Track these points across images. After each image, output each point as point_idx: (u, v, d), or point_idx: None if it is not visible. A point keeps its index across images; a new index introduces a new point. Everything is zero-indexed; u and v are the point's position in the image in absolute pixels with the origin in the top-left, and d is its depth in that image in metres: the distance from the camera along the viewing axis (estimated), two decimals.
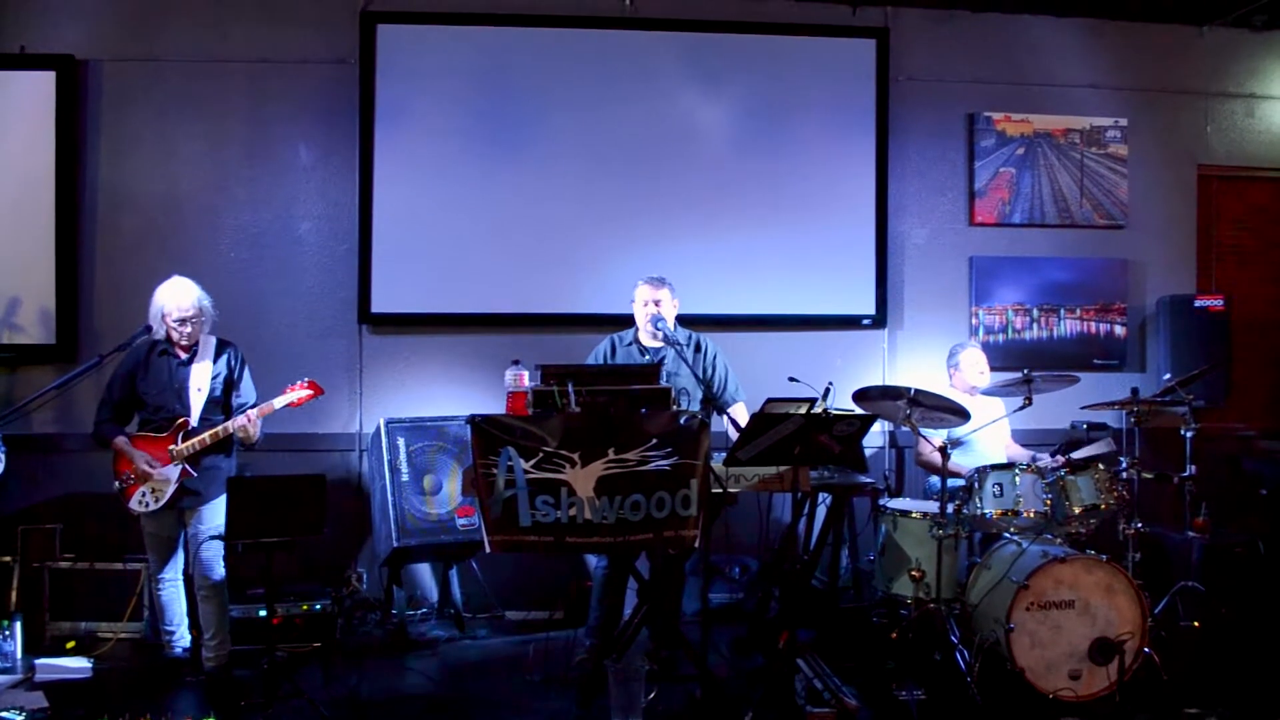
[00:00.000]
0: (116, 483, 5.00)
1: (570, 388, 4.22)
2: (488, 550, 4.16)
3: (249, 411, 5.00)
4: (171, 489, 4.94)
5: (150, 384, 5.03)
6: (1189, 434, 5.55)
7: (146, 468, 4.91)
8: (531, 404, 4.30)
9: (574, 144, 6.54)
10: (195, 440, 4.92)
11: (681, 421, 4.20)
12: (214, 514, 5.05)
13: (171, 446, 4.93)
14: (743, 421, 5.06)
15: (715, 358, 5.49)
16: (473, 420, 4.13)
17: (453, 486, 5.88)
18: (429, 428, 6.01)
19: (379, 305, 6.41)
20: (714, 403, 5.27)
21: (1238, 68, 7.18)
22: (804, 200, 6.69)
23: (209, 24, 6.37)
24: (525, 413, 4.29)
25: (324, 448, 6.39)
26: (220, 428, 4.94)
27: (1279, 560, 6.09)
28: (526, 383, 4.44)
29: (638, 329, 5.49)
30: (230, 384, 5.14)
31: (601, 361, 5.47)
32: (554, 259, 6.52)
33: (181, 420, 4.97)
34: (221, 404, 5.11)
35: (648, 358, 5.39)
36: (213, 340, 5.15)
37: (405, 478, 5.84)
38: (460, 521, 5.82)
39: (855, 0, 6.76)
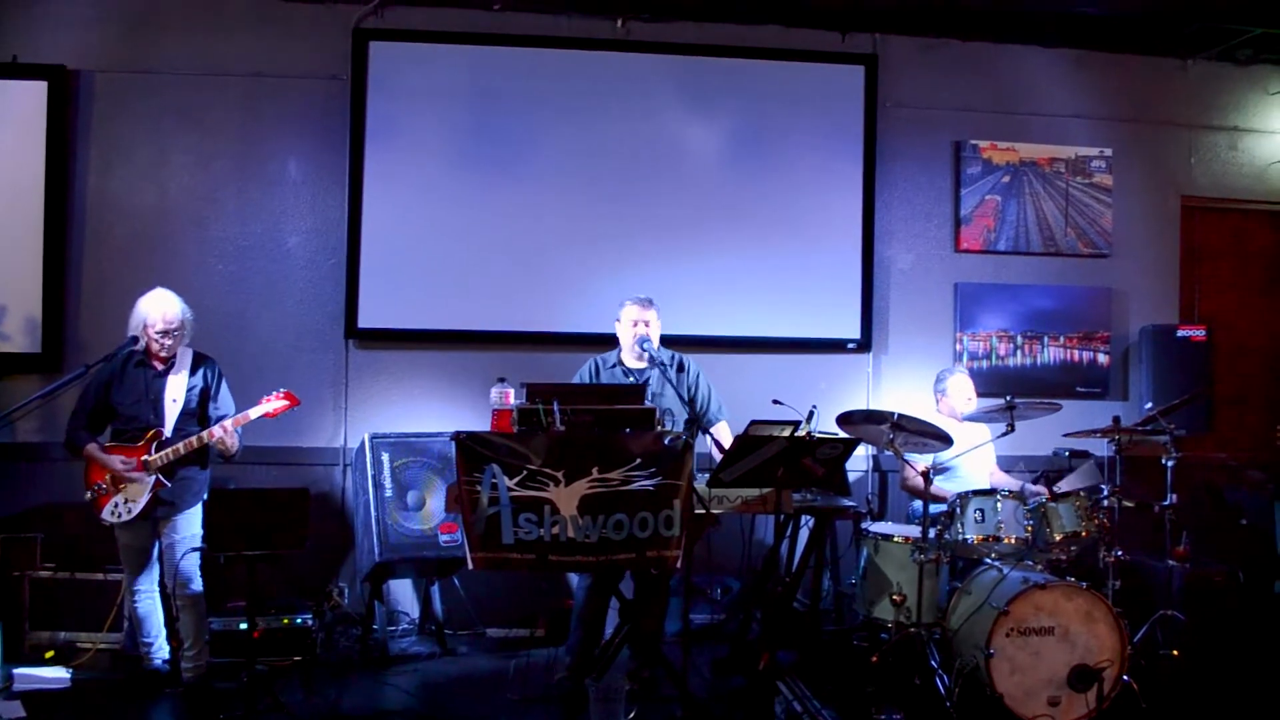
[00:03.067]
0: (88, 493, 4.98)
1: (555, 406, 4.23)
2: (470, 567, 4.16)
3: (224, 422, 4.99)
4: (145, 499, 4.91)
5: (125, 394, 5.01)
6: (1170, 463, 5.58)
7: (121, 467, 4.88)
8: (516, 422, 4.30)
9: (563, 164, 6.58)
10: (169, 450, 4.90)
11: (665, 442, 4.21)
12: (188, 524, 5.04)
13: (145, 456, 4.90)
14: (725, 441, 5.09)
15: (698, 377, 5.52)
16: (457, 437, 4.14)
17: (436, 502, 5.87)
18: (413, 444, 6.01)
19: (366, 320, 6.42)
20: (699, 423, 5.29)
21: (1221, 100, 7.26)
22: (791, 224, 6.73)
23: (202, 37, 6.39)
24: (510, 430, 4.30)
25: (308, 462, 6.38)
26: (195, 437, 4.93)
27: (1259, 590, 6.12)
28: (512, 400, 4.46)
29: (620, 350, 5.50)
30: (207, 396, 5.12)
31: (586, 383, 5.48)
32: (541, 278, 6.54)
33: (155, 431, 4.96)
34: (197, 416, 5.10)
35: (632, 379, 5.40)
36: (190, 352, 5.15)
37: (389, 493, 5.83)
38: (443, 538, 5.81)
39: (845, 27, 6.82)
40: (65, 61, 6.27)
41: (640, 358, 5.40)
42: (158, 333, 4.96)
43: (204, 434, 4.94)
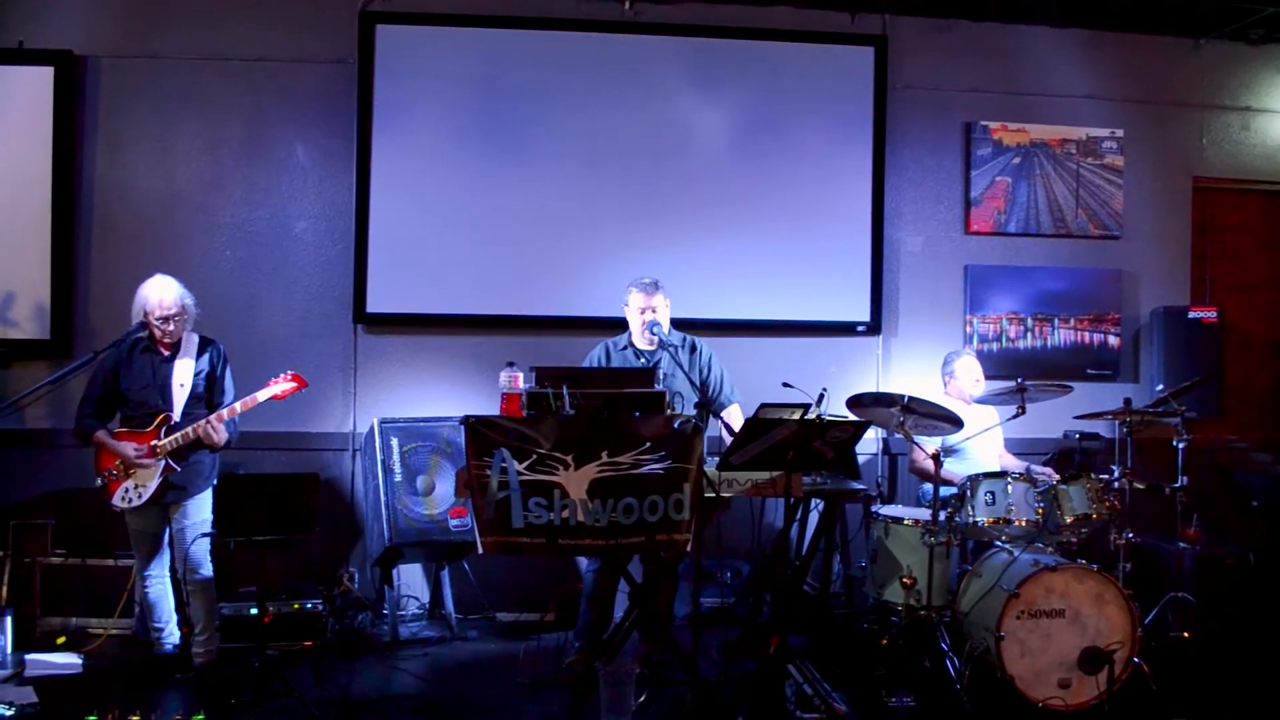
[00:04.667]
0: (99, 479, 4.99)
1: (565, 390, 4.23)
2: (480, 551, 4.16)
3: (233, 405, 4.99)
4: (155, 484, 4.92)
5: (133, 380, 5.02)
6: (1181, 445, 5.57)
7: (133, 454, 4.89)
8: (526, 406, 4.30)
9: (572, 147, 6.55)
10: (179, 435, 4.91)
11: (676, 425, 4.21)
12: (199, 509, 5.06)
13: (154, 441, 4.91)
14: (737, 424, 5.08)
15: (710, 359, 5.49)
16: (467, 421, 4.13)
17: (446, 487, 5.87)
18: (423, 428, 6.01)
19: (374, 305, 6.41)
20: (709, 406, 5.28)
21: (1234, 81, 7.21)
22: (800, 206, 6.70)
23: (208, 22, 6.37)
24: (519, 414, 4.29)
25: (317, 447, 6.38)
26: (203, 422, 4.93)
27: (1270, 572, 6.11)
28: (521, 384, 4.44)
29: (631, 333, 5.49)
30: (213, 380, 5.13)
31: (597, 367, 5.47)
32: (550, 261, 6.53)
33: (164, 415, 4.96)
34: (205, 400, 5.11)
35: (643, 361, 5.39)
36: (195, 337, 5.15)
37: (398, 478, 5.84)
38: (453, 522, 5.82)
39: (854, 7, 6.77)
40: (71, 47, 6.26)
41: (651, 341, 5.38)
42: (158, 319, 4.97)
43: (210, 418, 4.95)
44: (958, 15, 6.89)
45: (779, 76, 6.70)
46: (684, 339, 5.49)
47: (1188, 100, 7.15)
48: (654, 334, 5.29)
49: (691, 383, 5.21)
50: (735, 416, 5.36)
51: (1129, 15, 6.87)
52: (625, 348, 5.48)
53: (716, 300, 6.55)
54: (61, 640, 5.58)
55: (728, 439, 4.88)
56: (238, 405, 5.00)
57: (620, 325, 5.60)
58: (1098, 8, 6.77)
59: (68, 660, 5.28)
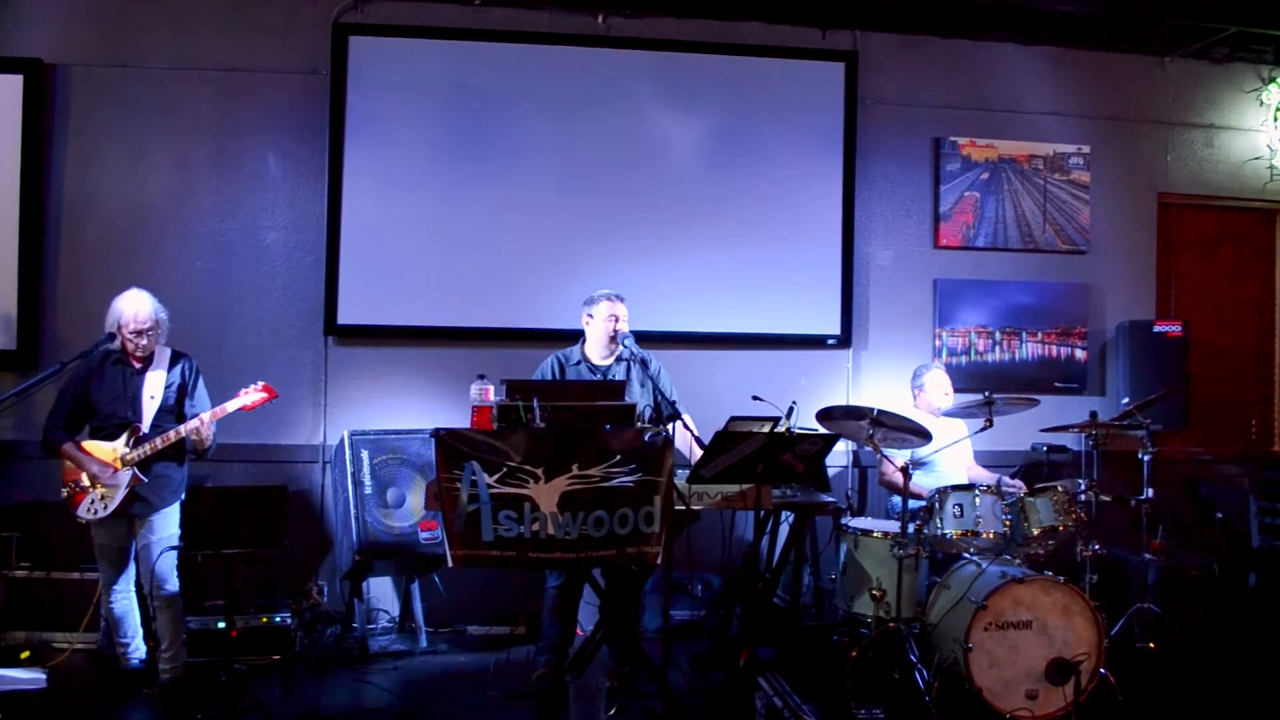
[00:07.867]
0: (64, 490, 4.94)
1: (535, 403, 4.23)
2: (450, 564, 4.15)
3: (202, 415, 4.96)
4: (120, 496, 4.88)
5: (103, 392, 4.98)
6: (1147, 457, 5.62)
7: (96, 471, 4.86)
8: (496, 419, 4.29)
9: (544, 160, 6.56)
10: (147, 446, 4.87)
11: (646, 438, 4.21)
12: (165, 524, 5.02)
13: (121, 453, 4.88)
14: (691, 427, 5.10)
15: (660, 372, 5.50)
16: (437, 434, 4.12)
17: (416, 500, 5.86)
18: (393, 441, 6.00)
19: (345, 317, 6.39)
20: (675, 417, 5.29)
21: (1198, 98, 7.31)
22: (771, 220, 6.74)
23: (180, 31, 6.34)
24: (490, 427, 4.29)
25: (286, 459, 6.35)
26: (172, 431, 4.90)
27: (1234, 583, 6.17)
28: (491, 397, 4.44)
29: (584, 345, 5.49)
30: (184, 393, 5.10)
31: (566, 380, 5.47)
32: (522, 274, 6.53)
33: (133, 427, 4.93)
34: (175, 413, 5.07)
35: (599, 376, 5.40)
36: (168, 350, 5.12)
37: (368, 490, 5.82)
38: (423, 535, 5.80)
39: (825, 24, 6.83)
40: (42, 55, 6.21)
41: (612, 353, 5.39)
42: (131, 332, 4.94)
43: (181, 428, 4.91)
44: (927, 32, 6.96)
45: (751, 91, 6.74)
46: (635, 353, 5.50)
47: (1153, 117, 7.25)
48: (624, 344, 5.30)
49: (655, 395, 5.21)
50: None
51: (1095, 33, 6.96)
52: (579, 362, 5.47)
53: (687, 313, 6.57)
54: (25, 655, 5.51)
55: (692, 441, 4.88)
56: (206, 415, 4.97)
57: None
58: (1065, 26, 6.85)
59: (32, 675, 5.19)
